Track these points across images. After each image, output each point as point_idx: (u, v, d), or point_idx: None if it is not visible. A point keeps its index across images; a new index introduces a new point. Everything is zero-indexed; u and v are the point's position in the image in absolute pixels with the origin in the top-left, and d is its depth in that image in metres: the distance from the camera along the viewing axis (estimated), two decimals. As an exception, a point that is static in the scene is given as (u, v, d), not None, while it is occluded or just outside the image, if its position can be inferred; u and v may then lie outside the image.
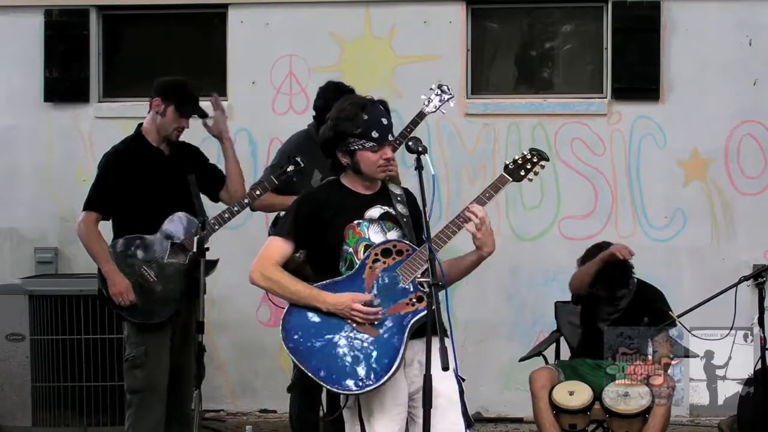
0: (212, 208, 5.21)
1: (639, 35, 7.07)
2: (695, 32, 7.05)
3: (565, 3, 7.42)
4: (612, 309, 5.73)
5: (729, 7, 7.03)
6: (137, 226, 5.00)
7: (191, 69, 7.20)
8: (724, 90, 7.00)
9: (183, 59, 7.44)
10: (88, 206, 5.04)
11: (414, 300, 3.76)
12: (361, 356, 3.70)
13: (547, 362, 5.89)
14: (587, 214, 7.10)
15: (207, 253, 5.02)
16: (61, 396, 6.34)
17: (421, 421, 3.67)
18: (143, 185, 4.99)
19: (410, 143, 3.83)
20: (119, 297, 4.95)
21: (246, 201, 5.07)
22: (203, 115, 5.19)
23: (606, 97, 7.16)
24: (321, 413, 5.23)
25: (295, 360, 3.74)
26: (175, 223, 5.03)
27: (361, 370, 3.68)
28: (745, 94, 7.01)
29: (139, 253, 5.00)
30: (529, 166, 3.93)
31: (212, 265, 5.11)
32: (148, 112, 5.14)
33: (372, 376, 3.67)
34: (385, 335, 3.73)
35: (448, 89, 5.53)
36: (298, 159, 5.09)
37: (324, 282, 3.82)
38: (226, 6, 7.38)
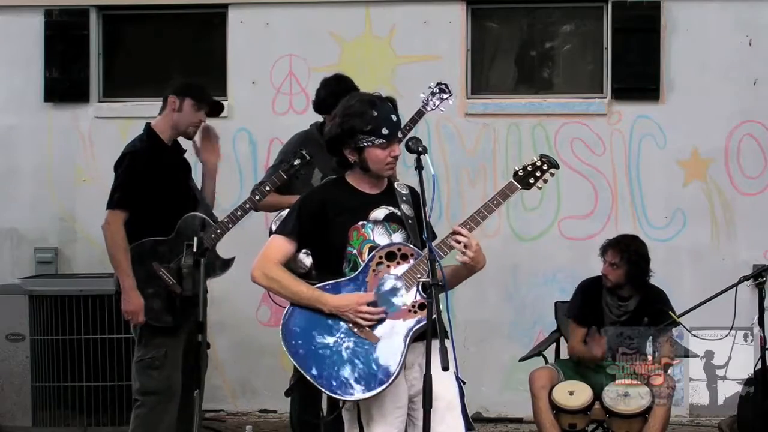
0: (219, 210, 5.23)
1: (639, 35, 7.07)
2: (695, 32, 7.05)
3: (565, 3, 7.42)
4: (620, 312, 5.73)
5: (729, 7, 7.03)
6: (153, 226, 4.94)
7: (191, 69, 7.21)
8: (724, 90, 7.00)
9: (183, 59, 7.44)
10: (115, 205, 4.93)
11: (416, 307, 3.74)
12: (362, 362, 3.68)
13: (547, 362, 5.89)
14: (587, 214, 7.11)
15: (221, 251, 5.08)
16: (61, 396, 6.34)
17: (420, 423, 3.66)
18: (161, 184, 4.96)
19: (410, 143, 3.82)
20: (130, 315, 4.90)
21: (257, 197, 5.06)
22: (220, 108, 5.25)
23: (606, 97, 7.16)
24: (321, 414, 5.23)
25: (294, 362, 3.73)
26: (189, 224, 5.00)
27: (361, 376, 3.66)
28: (745, 94, 7.00)
29: (158, 257, 4.95)
30: (538, 174, 3.91)
31: (228, 263, 5.13)
32: (160, 113, 5.11)
33: (371, 383, 3.65)
34: (386, 341, 3.71)
35: (447, 88, 5.53)
36: (304, 152, 5.08)
37: (326, 283, 3.80)
38: (226, 6, 7.37)
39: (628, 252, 5.65)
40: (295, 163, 5.06)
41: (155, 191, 4.94)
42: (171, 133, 5.09)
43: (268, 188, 5.06)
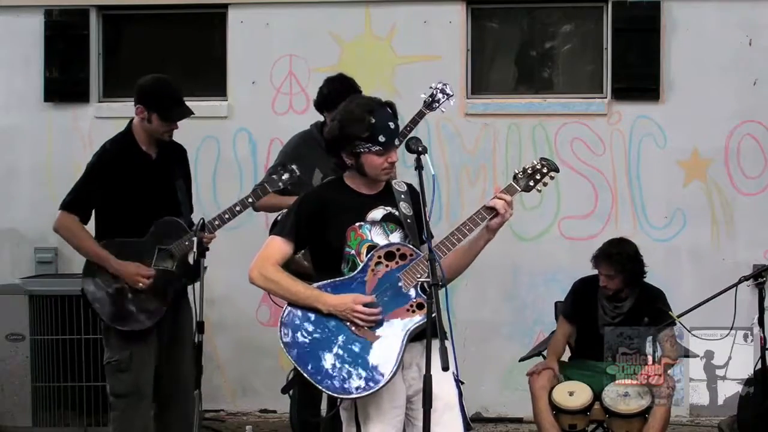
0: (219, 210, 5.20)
1: (639, 35, 7.07)
2: (695, 32, 7.05)
3: (565, 3, 7.42)
4: (615, 314, 5.72)
5: (729, 6, 7.03)
6: (121, 228, 4.89)
7: (191, 69, 7.22)
8: (724, 90, 7.00)
9: (183, 59, 7.44)
10: (66, 207, 4.91)
11: (414, 307, 3.74)
12: (359, 361, 3.69)
13: (546, 362, 5.89)
14: (587, 214, 7.11)
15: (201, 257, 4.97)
16: (61, 396, 6.34)
17: (418, 423, 3.69)
18: (128, 189, 4.87)
19: (410, 143, 3.83)
20: (139, 280, 4.82)
21: (250, 200, 4.98)
22: (190, 114, 5.01)
23: (606, 97, 7.16)
24: (320, 414, 5.23)
25: (291, 360, 3.73)
26: (164, 228, 4.92)
27: (358, 375, 3.67)
28: (745, 94, 7.00)
29: (127, 257, 4.86)
30: (538, 177, 3.93)
31: (195, 275, 4.94)
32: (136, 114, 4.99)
33: (368, 382, 3.66)
34: (384, 341, 3.71)
35: (449, 88, 5.53)
36: (293, 167, 5.02)
37: (324, 282, 3.80)
38: (226, 6, 7.37)
39: (621, 261, 5.63)
40: (283, 177, 5.00)
41: (119, 195, 4.86)
42: (146, 136, 4.95)
43: (237, 209, 4.95)
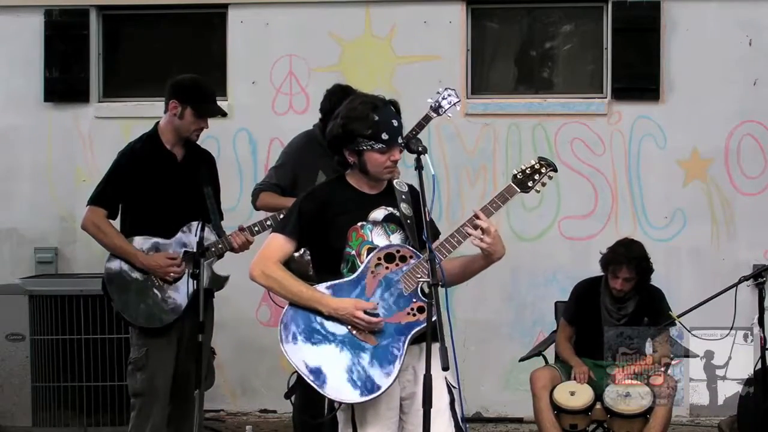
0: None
1: (639, 35, 7.07)
2: (695, 32, 7.05)
3: (565, 3, 7.42)
4: (620, 315, 5.72)
5: (729, 7, 7.03)
6: (146, 227, 4.93)
7: (191, 69, 7.11)
8: (724, 90, 7.00)
9: (183, 59, 7.43)
10: (94, 202, 4.97)
11: (415, 310, 3.73)
12: (359, 365, 3.68)
13: (547, 362, 5.89)
14: (587, 214, 7.11)
15: (219, 267, 5.03)
16: (61, 396, 6.34)
17: (409, 426, 3.73)
18: (152, 187, 4.91)
19: (410, 143, 3.82)
20: (169, 271, 4.86)
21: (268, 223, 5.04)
22: (222, 114, 5.12)
23: (606, 97, 7.16)
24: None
25: (291, 361, 3.72)
26: (193, 232, 4.95)
27: (358, 379, 3.66)
28: (745, 94, 7.00)
29: (150, 254, 4.92)
30: (537, 177, 3.89)
31: (222, 280, 5.08)
32: (165, 112, 5.03)
33: (368, 387, 3.65)
34: (384, 344, 3.70)
35: (455, 93, 5.51)
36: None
37: (325, 284, 3.79)
38: (226, 6, 7.37)
39: (639, 264, 5.63)
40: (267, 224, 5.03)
41: (143, 193, 4.91)
42: (173, 135, 5.01)
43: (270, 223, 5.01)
